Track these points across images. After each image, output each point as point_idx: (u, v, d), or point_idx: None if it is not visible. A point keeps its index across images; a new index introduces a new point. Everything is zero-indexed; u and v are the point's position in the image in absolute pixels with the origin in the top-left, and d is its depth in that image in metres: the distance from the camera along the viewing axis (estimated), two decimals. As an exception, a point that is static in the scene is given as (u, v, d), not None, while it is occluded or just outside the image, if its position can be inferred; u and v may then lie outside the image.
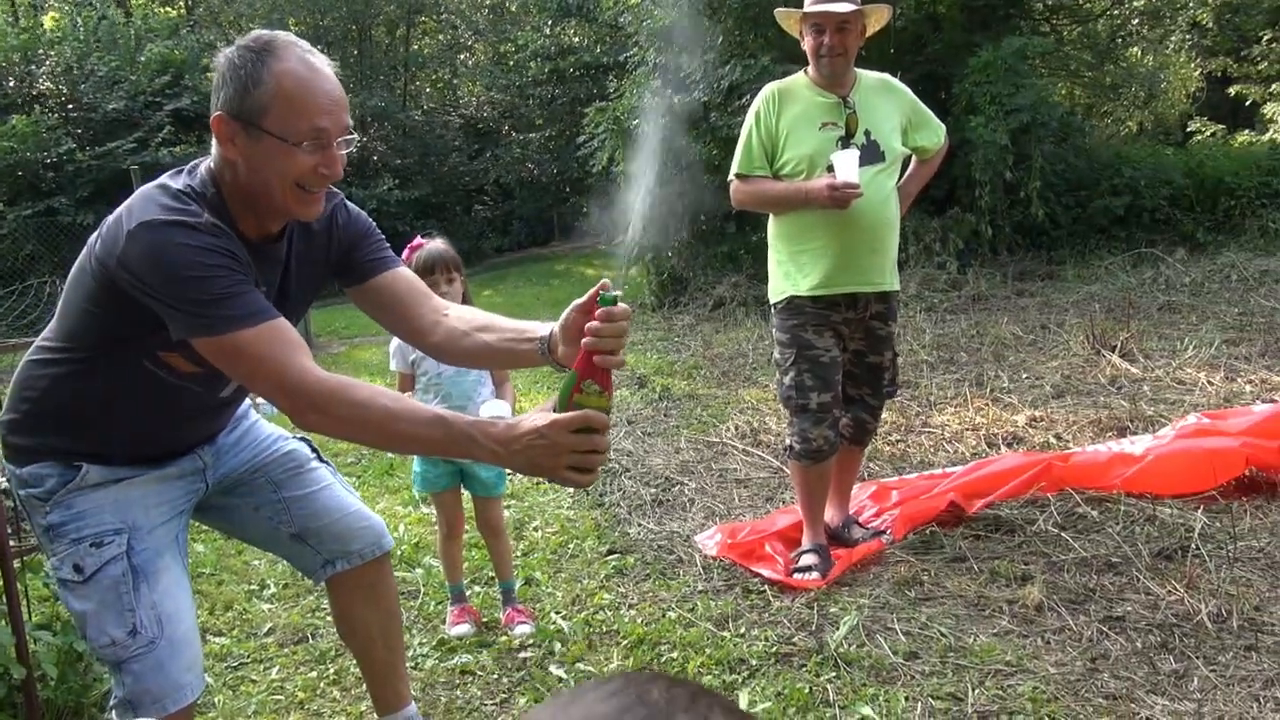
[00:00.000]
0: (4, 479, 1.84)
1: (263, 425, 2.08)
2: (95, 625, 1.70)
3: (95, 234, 1.65)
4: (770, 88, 3.10)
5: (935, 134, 3.23)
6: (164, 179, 1.65)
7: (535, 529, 3.84)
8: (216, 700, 2.69)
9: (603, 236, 17.92)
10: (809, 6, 2.99)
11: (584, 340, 1.45)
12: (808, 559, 3.11)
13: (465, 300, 2.89)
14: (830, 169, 2.88)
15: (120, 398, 1.72)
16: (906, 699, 2.31)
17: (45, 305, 9.49)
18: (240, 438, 2.00)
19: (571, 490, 4.22)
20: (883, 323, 3.14)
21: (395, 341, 2.78)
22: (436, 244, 2.84)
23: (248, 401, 2.08)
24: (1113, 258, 9.19)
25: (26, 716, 2.45)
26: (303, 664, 2.83)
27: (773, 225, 3.18)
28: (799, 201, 2.99)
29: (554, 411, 1.44)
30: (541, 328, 1.70)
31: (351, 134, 1.64)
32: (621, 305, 1.46)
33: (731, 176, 3.16)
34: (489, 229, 20.06)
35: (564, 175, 19.07)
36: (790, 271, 3.09)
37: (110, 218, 1.63)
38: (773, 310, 3.19)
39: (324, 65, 1.60)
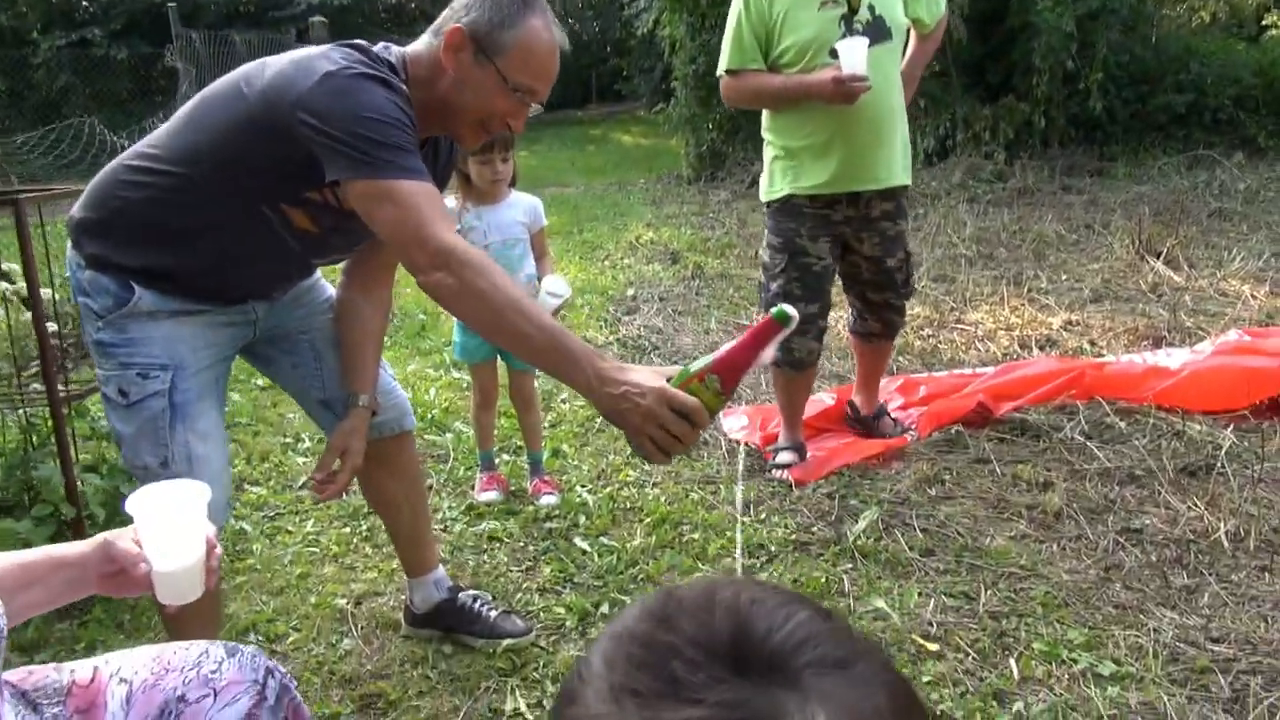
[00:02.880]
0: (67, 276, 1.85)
1: (323, 287, 2.09)
2: (131, 447, 1.77)
3: (258, 66, 1.68)
4: None
5: (936, 3, 2.99)
6: (361, 44, 1.71)
7: (564, 401, 3.90)
8: (254, 548, 2.81)
9: (642, 102, 17.49)
10: None
11: (736, 342, 1.41)
12: (784, 456, 3.16)
13: (514, 179, 2.91)
14: (834, 55, 2.67)
15: (215, 233, 1.72)
16: (920, 594, 2.38)
17: (84, 147, 9.43)
18: (298, 295, 2.01)
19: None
20: (891, 222, 2.98)
21: (448, 202, 2.66)
22: None
23: (317, 271, 2.09)
24: (1168, 158, 8.90)
25: (77, 552, 2.58)
26: (336, 519, 2.93)
27: (767, 118, 2.99)
28: (799, 96, 2.78)
29: (667, 383, 1.40)
30: (362, 394, 1.99)
31: (541, 105, 1.76)
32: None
33: (720, 73, 2.93)
34: (525, 87, 19.59)
35: (606, 35, 18.47)
36: (787, 168, 2.93)
37: (283, 58, 1.67)
38: (765, 210, 3.06)
39: (560, 40, 1.73)
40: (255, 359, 2.06)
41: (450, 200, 2.70)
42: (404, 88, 1.66)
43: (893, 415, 3.41)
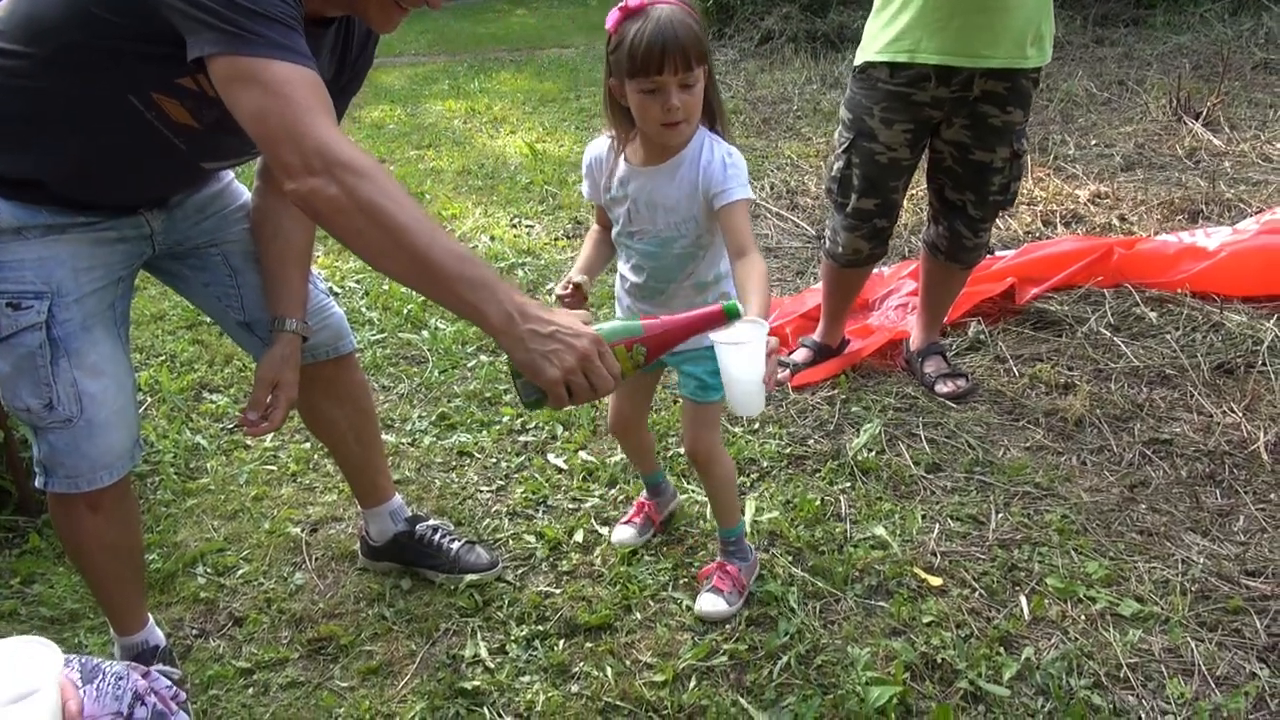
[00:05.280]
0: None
1: (236, 192, 1.80)
2: (9, 389, 1.54)
3: None
4: None
5: None
6: None
7: (549, 291, 3.63)
8: (209, 465, 2.62)
9: (646, -49, 16.48)
10: None
11: (675, 317, 1.39)
12: (798, 354, 2.89)
13: (712, 118, 1.71)
14: None
15: (79, 127, 1.44)
16: (923, 518, 2.17)
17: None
18: (204, 204, 1.73)
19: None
20: (998, 109, 2.39)
21: (591, 150, 1.81)
22: (668, 15, 1.55)
23: (229, 173, 1.80)
24: (1211, 4, 8.22)
25: (12, 479, 2.40)
26: (297, 433, 2.72)
27: None
28: None
29: None
30: (290, 317, 1.73)
31: None
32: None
33: None
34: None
35: (607, -124, 17.24)
36: (875, 27, 2.44)
37: None
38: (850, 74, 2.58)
39: None
40: (162, 276, 1.80)
41: (599, 144, 1.80)
42: None
43: (946, 357, 2.79)
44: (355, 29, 1.64)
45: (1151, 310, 3.00)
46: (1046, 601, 1.88)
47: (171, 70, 1.36)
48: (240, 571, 2.18)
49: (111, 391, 1.58)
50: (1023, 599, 1.90)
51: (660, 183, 1.70)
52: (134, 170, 1.53)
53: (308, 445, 2.65)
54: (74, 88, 1.39)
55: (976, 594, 1.93)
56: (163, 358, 3.26)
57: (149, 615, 1.87)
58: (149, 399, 2.96)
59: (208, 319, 3.51)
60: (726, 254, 1.71)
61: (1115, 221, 3.86)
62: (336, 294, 3.66)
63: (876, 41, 2.42)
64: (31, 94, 1.41)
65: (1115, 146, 4.88)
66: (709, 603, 1.91)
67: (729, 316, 1.37)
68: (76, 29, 1.34)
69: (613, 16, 1.60)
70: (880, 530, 2.12)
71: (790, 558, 2.07)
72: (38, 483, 1.64)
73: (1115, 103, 5.79)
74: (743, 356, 1.40)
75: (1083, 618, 1.84)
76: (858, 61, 2.50)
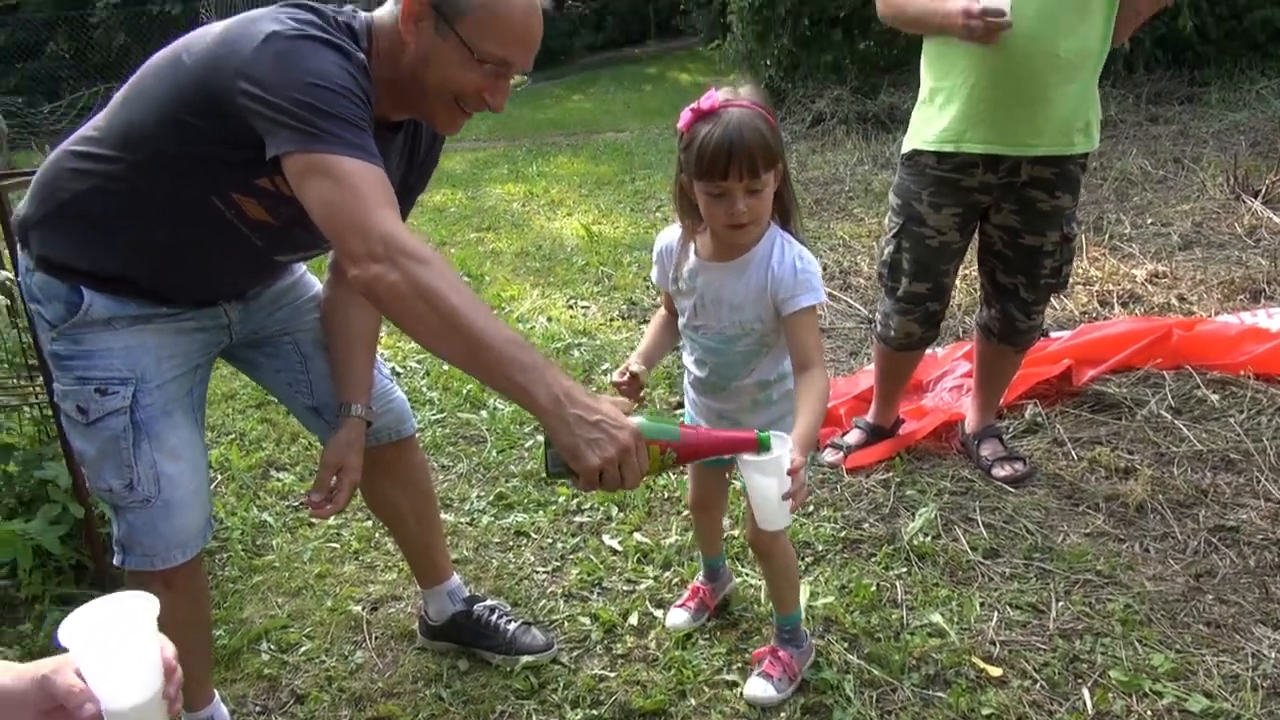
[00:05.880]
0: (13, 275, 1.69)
1: (308, 284, 1.90)
2: (95, 469, 1.63)
3: (201, 32, 1.47)
4: None
5: None
6: (315, 6, 1.49)
7: (605, 372, 3.69)
8: (275, 542, 2.69)
9: (700, 38, 16.92)
10: None
11: (712, 432, 1.55)
12: (851, 436, 2.90)
13: (785, 218, 1.73)
14: None
15: (165, 226, 1.54)
16: (981, 605, 2.14)
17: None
18: (278, 296, 1.84)
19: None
20: (1047, 194, 2.42)
21: (662, 238, 1.84)
22: (738, 120, 1.56)
23: (301, 266, 1.91)
24: (1267, 81, 8.19)
25: (90, 552, 2.49)
26: (360, 510, 2.79)
27: (924, 49, 2.53)
28: (936, 25, 2.33)
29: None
30: (356, 403, 1.80)
31: (527, 75, 1.57)
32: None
33: None
34: (581, 25, 19.14)
35: (662, -33, 17.84)
36: (922, 116, 2.49)
37: (229, 22, 1.45)
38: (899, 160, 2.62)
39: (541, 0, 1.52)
40: (237, 363, 1.90)
41: (671, 232, 1.83)
42: (361, 57, 1.45)
43: (1003, 439, 2.77)
44: (423, 132, 1.74)
45: (1214, 393, 2.96)
46: (1110, 695, 1.84)
47: (251, 172, 1.46)
48: (303, 649, 2.23)
49: (188, 473, 1.66)
50: (1085, 692, 1.86)
51: (728, 280, 1.72)
52: (214, 265, 1.64)
53: (370, 523, 2.72)
54: (162, 190, 1.50)
55: (1038, 686, 1.89)
56: (233, 436, 3.37)
57: (215, 691, 1.93)
58: (219, 476, 3.06)
59: (275, 399, 3.65)
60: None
61: (1174, 301, 3.83)
62: (398, 374, 3.78)
63: (924, 131, 2.48)
64: (123, 196, 1.52)
65: (1172, 225, 4.85)
66: (758, 688, 1.90)
67: (761, 446, 1.44)
68: (169, 136, 1.45)
69: (685, 116, 1.63)
70: (937, 617, 2.10)
71: (846, 644, 2.06)
72: (115, 560, 1.71)
73: (1171, 181, 5.76)
74: (765, 474, 1.46)
75: (1149, 713, 1.79)
76: (905, 149, 2.56)
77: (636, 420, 1.35)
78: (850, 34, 9.20)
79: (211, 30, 1.46)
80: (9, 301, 2.70)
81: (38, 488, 2.52)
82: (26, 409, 2.67)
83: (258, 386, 3.66)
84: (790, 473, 1.45)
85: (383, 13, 1.54)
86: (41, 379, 2.56)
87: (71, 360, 1.59)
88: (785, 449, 1.46)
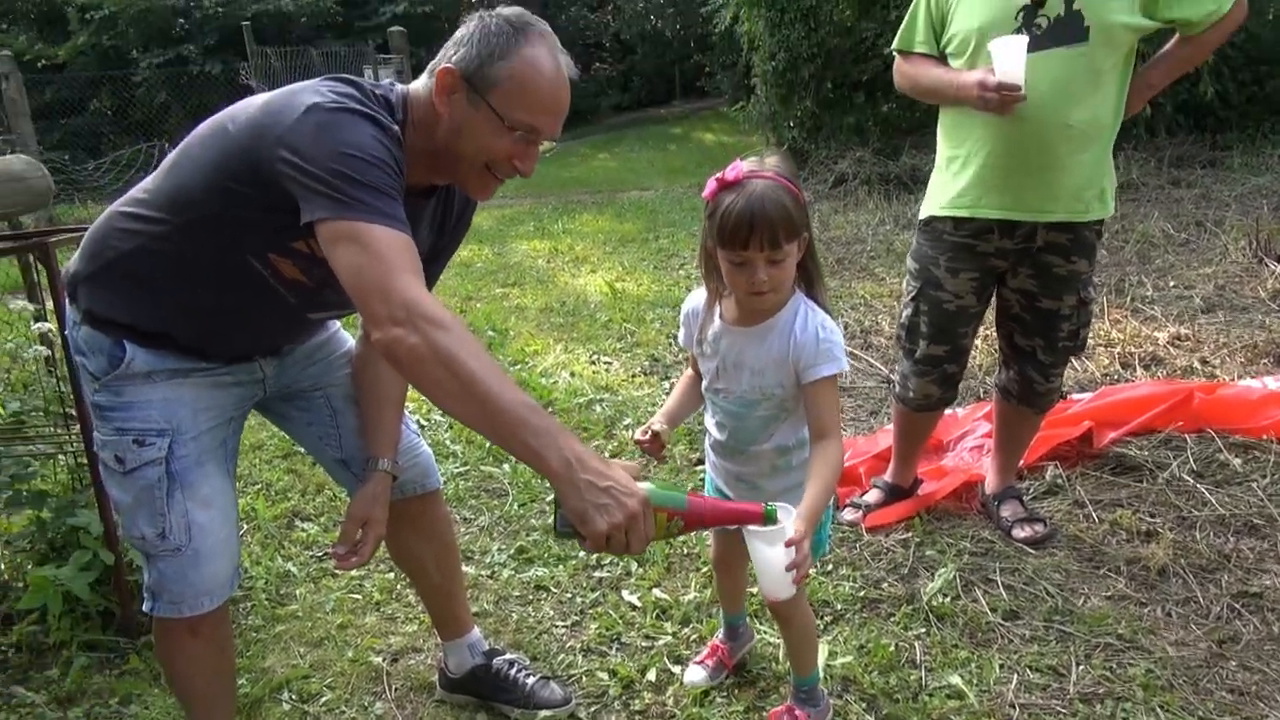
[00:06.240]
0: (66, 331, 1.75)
1: (340, 340, 1.96)
2: (129, 517, 1.68)
3: (245, 103, 1.55)
4: None
5: (1203, 1, 2.28)
6: (355, 79, 1.57)
7: (627, 427, 3.73)
8: (298, 592, 2.72)
9: (725, 98, 17.24)
10: None
11: (719, 504, 1.60)
12: (870, 495, 2.91)
13: (810, 284, 1.75)
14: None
15: (206, 285, 1.61)
16: (1001, 668, 2.13)
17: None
18: (311, 352, 1.90)
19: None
20: (1062, 259, 2.45)
21: (690, 300, 1.87)
22: (761, 191, 1.60)
23: (335, 323, 1.97)
24: (1289, 145, 8.24)
25: (118, 600, 2.53)
26: (382, 562, 2.82)
27: (940, 117, 2.58)
28: (951, 96, 2.40)
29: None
30: (383, 457, 1.86)
31: (555, 141, 1.61)
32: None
33: (890, 51, 2.61)
34: (608, 86, 19.55)
35: (688, 30, 18.24)
36: (938, 182, 2.55)
37: (273, 94, 1.53)
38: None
39: (566, 69, 1.57)
40: (270, 415, 1.95)
41: (699, 295, 1.85)
42: (395, 128, 1.52)
43: (1024, 501, 2.78)
44: (455, 197, 1.81)
45: (1236, 457, 2.95)
46: (1132, 761, 1.83)
47: (287, 235, 1.52)
48: (323, 699, 2.25)
49: (218, 522, 1.71)
50: (1106, 757, 1.85)
51: (750, 345, 1.74)
52: (252, 323, 1.70)
53: (391, 575, 2.74)
54: (204, 252, 1.57)
55: (1057, 750, 1.88)
56: (259, 486, 3.42)
57: (237, 740, 1.95)
58: (245, 525, 3.10)
59: (302, 450, 3.70)
60: None
61: (1196, 364, 3.83)
62: (424, 427, 3.83)
63: (940, 196, 2.53)
64: (168, 257, 1.59)
65: (1195, 288, 4.87)
66: None
67: (766, 519, 1.47)
68: (215, 201, 1.52)
69: (710, 185, 1.66)
70: (956, 679, 2.09)
71: (864, 704, 2.05)
72: (145, 606, 1.75)
73: (1194, 244, 5.79)
74: (769, 544, 1.48)
75: (1171, 780, 1.78)
76: (922, 215, 2.61)
77: (646, 487, 1.37)
78: (873, 97, 9.36)
79: (256, 101, 1.54)
80: (49, 352, 2.79)
81: (69, 534, 2.57)
82: (61, 457, 2.74)
83: (284, 438, 3.73)
84: (792, 543, 1.46)
85: (418, 85, 1.61)
86: (77, 428, 2.63)
87: (112, 411, 1.65)
88: (790, 521, 1.48)
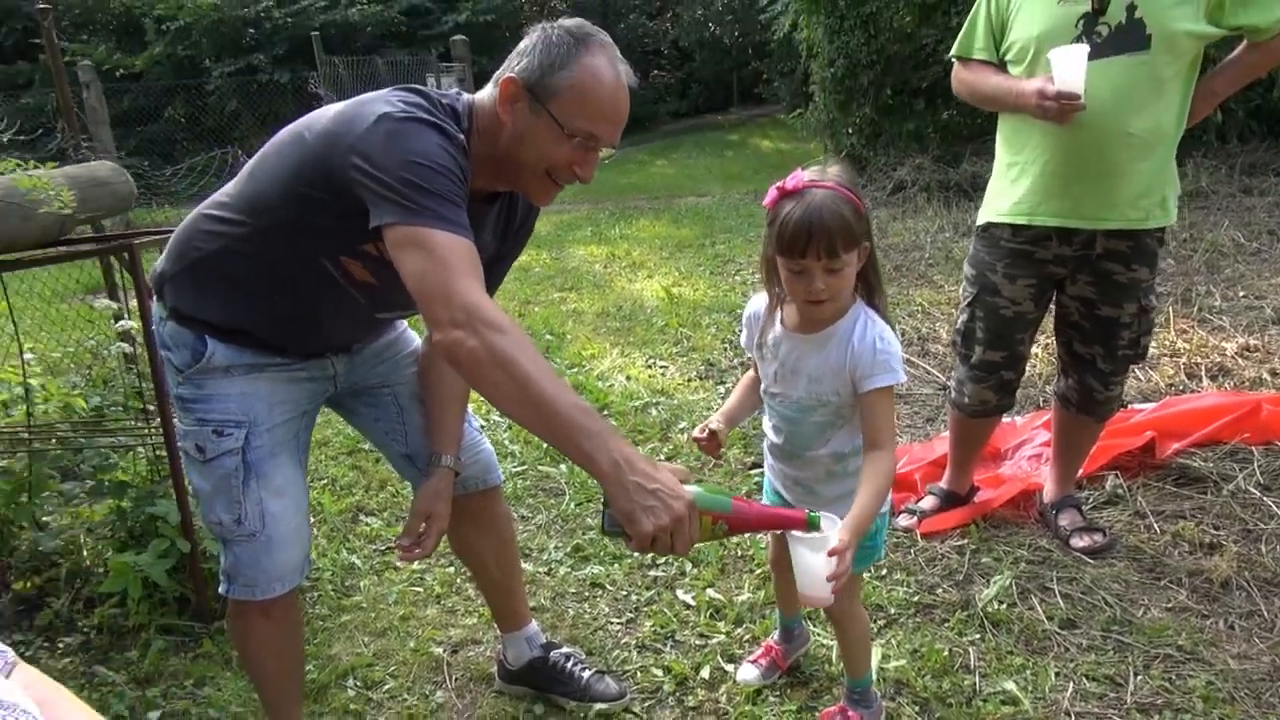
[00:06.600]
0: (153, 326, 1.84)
1: (408, 339, 2.04)
2: (207, 503, 1.77)
3: (320, 112, 1.63)
4: None
5: (1272, 7, 2.25)
6: (423, 89, 1.64)
7: (681, 431, 3.77)
8: (362, 584, 2.80)
9: (782, 105, 17.20)
10: None
11: (764, 509, 1.59)
12: (926, 502, 2.90)
13: (870, 294, 1.76)
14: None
15: (282, 285, 1.70)
16: (1057, 675, 2.13)
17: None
18: (380, 350, 1.97)
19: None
20: (1123, 266, 2.43)
21: (753, 304, 1.90)
22: (820, 201, 1.61)
23: (403, 323, 2.05)
24: (1368, 152, 7.98)
25: (193, 586, 2.64)
26: (443, 556, 2.90)
27: (999, 124, 2.59)
28: (1010, 103, 2.39)
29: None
30: (446, 453, 1.93)
31: (615, 148, 1.65)
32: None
33: (949, 57, 2.62)
34: (666, 93, 19.61)
35: (746, 37, 18.23)
36: (996, 189, 2.55)
37: (346, 103, 1.60)
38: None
39: (625, 78, 1.61)
40: (340, 410, 2.03)
41: (761, 299, 1.87)
42: (461, 137, 1.58)
43: (1082, 510, 2.76)
44: (518, 204, 1.87)
45: (1305, 469, 2.89)
46: (1190, 772, 1.81)
47: (357, 239, 1.60)
48: (386, 687, 2.32)
49: (290, 511, 1.79)
50: (1164, 767, 1.83)
51: (809, 352, 1.75)
52: (325, 321, 1.78)
53: (451, 569, 2.82)
54: (280, 253, 1.65)
55: (1113, 759, 1.87)
56: (325, 481, 3.53)
57: (305, 723, 2.02)
58: (312, 519, 3.20)
59: (367, 446, 3.81)
60: None
61: (1266, 376, 3.75)
62: (484, 427, 3.90)
63: (998, 203, 2.53)
64: (246, 257, 1.68)
65: (1266, 299, 4.75)
66: None
67: (810, 526, 1.48)
68: (291, 206, 1.60)
69: (771, 194, 1.68)
70: (1011, 685, 2.09)
71: (917, 708, 2.06)
72: (220, 588, 1.84)
73: (1265, 253, 5.65)
74: (812, 551, 1.51)
75: (1230, 792, 1.76)
76: (980, 221, 2.61)
77: (692, 490, 1.40)
78: (933, 103, 9.26)
79: (330, 110, 1.62)
80: (129, 349, 2.91)
81: (148, 523, 2.68)
82: (141, 449, 2.86)
83: (349, 435, 3.84)
84: (834, 553, 1.48)
85: (483, 95, 1.67)
86: (157, 421, 2.75)
87: (194, 403, 1.74)
88: (834, 530, 1.49)
